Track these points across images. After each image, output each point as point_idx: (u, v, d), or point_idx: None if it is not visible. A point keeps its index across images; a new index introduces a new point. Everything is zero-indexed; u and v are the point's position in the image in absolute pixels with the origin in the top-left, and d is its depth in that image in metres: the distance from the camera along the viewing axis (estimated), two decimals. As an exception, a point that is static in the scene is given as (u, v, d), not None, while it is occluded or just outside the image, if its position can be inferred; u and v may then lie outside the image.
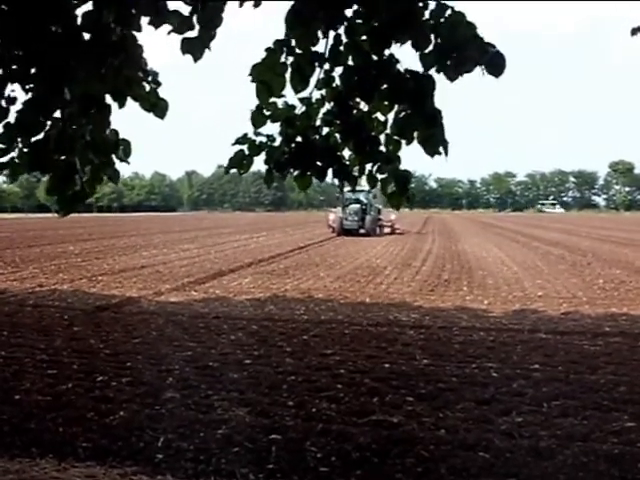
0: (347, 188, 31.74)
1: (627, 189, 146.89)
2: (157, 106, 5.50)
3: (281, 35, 4.89)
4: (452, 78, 4.66)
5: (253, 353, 7.69)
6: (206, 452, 4.62)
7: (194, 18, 4.86)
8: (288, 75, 4.92)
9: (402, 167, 5.30)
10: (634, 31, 5.05)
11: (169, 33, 4.84)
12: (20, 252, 22.85)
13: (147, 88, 5.44)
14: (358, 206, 34.63)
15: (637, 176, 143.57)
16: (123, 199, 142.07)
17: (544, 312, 10.74)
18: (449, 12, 4.53)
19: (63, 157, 4.68)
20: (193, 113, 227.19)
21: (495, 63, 4.51)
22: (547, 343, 8.28)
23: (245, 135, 5.25)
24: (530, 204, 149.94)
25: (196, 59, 5.00)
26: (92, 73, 4.80)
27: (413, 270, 17.24)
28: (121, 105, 5.30)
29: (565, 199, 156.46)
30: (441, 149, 4.86)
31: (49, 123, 4.89)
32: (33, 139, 4.79)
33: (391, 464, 4.44)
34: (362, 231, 33.97)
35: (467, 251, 23.93)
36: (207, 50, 4.98)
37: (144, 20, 4.98)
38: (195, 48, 4.94)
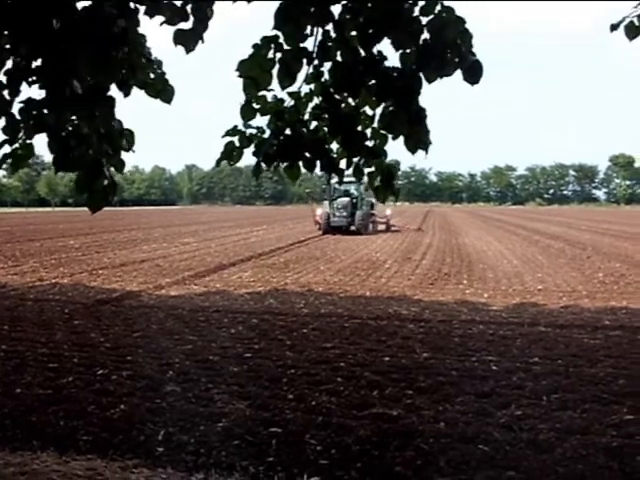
0: (335, 179, 31.21)
1: (627, 182, 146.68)
2: (163, 92, 5.50)
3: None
4: (430, 80, 4.67)
5: (253, 346, 7.71)
6: (206, 445, 4.64)
7: (188, 8, 4.84)
8: (275, 70, 4.93)
9: (389, 160, 5.32)
10: (612, 27, 5.00)
11: (161, 24, 4.85)
12: (20, 246, 22.90)
13: (152, 75, 5.43)
14: (347, 200, 30.26)
15: (637, 170, 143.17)
16: (123, 193, 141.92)
17: (544, 305, 10.76)
18: (439, 8, 4.51)
19: (87, 153, 4.74)
20: (193, 106, 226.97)
21: (473, 71, 4.51)
22: (547, 336, 8.29)
23: (235, 127, 5.27)
24: (530, 197, 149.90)
25: (188, 51, 5.00)
26: (96, 66, 4.79)
27: (413, 264, 17.25)
28: (126, 94, 5.27)
29: (565, 193, 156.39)
30: (422, 147, 4.87)
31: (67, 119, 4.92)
32: (54, 140, 4.80)
33: (391, 457, 4.45)
34: (352, 228, 29.71)
35: (467, 245, 23.94)
36: (200, 42, 4.97)
37: (141, 16, 4.97)
38: (188, 40, 4.95)
